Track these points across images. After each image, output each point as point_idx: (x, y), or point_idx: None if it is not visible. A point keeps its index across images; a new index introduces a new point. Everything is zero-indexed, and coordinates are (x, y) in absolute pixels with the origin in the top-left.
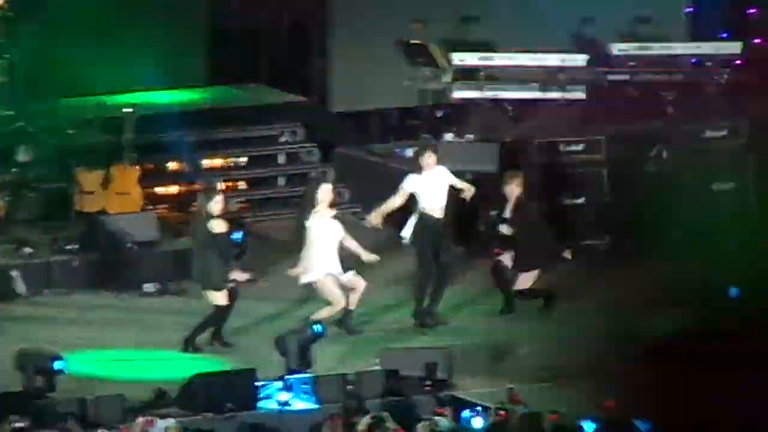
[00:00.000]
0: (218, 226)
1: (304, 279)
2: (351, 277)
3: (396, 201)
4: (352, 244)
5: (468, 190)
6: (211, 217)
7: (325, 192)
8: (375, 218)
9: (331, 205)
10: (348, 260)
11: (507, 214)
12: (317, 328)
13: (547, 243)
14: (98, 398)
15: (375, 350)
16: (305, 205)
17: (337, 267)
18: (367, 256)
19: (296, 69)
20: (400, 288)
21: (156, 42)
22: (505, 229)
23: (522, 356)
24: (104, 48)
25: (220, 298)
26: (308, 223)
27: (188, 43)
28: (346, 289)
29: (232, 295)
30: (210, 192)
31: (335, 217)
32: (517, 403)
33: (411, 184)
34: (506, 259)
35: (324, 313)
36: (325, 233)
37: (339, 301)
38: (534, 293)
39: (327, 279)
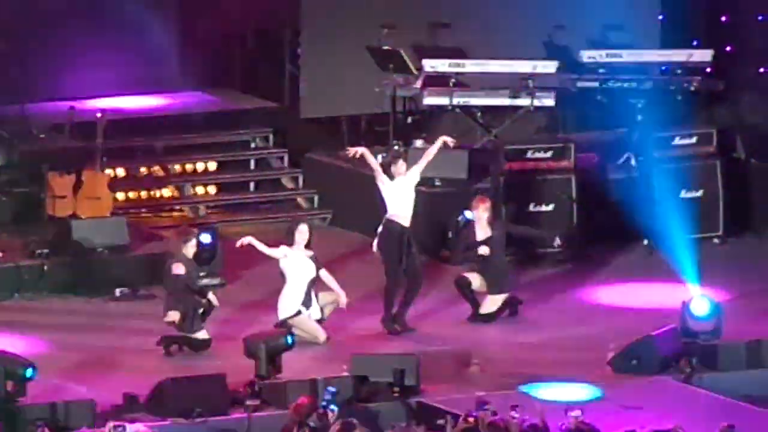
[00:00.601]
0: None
1: (280, 316)
2: (325, 311)
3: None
4: (331, 282)
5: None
6: (188, 260)
7: (302, 233)
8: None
9: (307, 245)
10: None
11: (479, 236)
12: (288, 339)
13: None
14: (68, 403)
15: (344, 356)
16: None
17: (309, 304)
18: (343, 298)
19: (267, 74)
20: (369, 295)
21: (127, 47)
22: (483, 250)
23: (489, 362)
24: (75, 52)
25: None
26: (282, 263)
27: (159, 48)
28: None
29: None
30: (187, 236)
31: (311, 257)
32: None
33: (385, 190)
34: (473, 278)
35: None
36: (299, 272)
37: (317, 335)
38: (497, 313)
39: (300, 316)
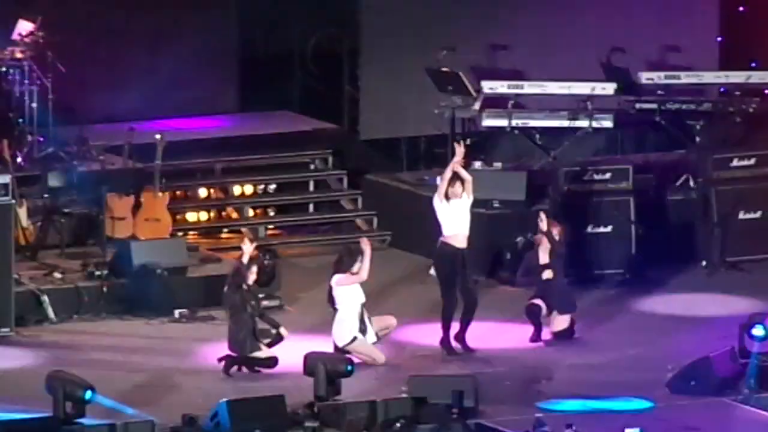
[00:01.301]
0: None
1: (338, 343)
2: (379, 333)
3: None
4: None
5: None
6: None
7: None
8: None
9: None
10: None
11: (543, 259)
12: (348, 367)
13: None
14: (127, 424)
15: (402, 378)
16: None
17: (364, 329)
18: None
19: (326, 96)
20: (428, 316)
21: (187, 68)
22: (547, 274)
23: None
24: (135, 74)
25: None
26: (336, 290)
27: (219, 70)
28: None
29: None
30: (252, 261)
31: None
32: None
33: (440, 210)
34: (539, 301)
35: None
36: (351, 297)
37: (376, 357)
38: (568, 332)
39: (357, 342)
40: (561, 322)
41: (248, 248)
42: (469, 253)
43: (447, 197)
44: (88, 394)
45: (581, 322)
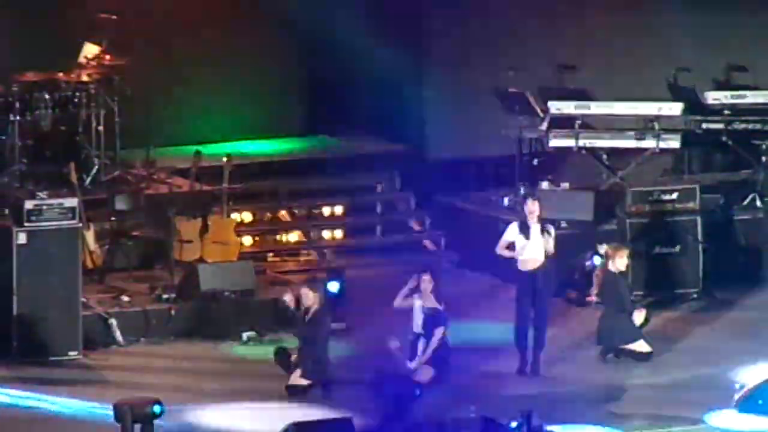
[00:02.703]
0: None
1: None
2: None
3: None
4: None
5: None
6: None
7: (426, 282)
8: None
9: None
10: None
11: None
12: (416, 391)
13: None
14: None
15: (472, 398)
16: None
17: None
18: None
19: (393, 117)
20: (497, 336)
21: (253, 91)
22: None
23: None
24: (201, 96)
25: None
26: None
27: (285, 93)
28: None
29: None
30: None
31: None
32: None
33: (512, 233)
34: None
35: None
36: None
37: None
38: (633, 354)
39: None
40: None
41: (309, 298)
42: (544, 273)
43: (522, 216)
44: (158, 408)
45: (652, 341)
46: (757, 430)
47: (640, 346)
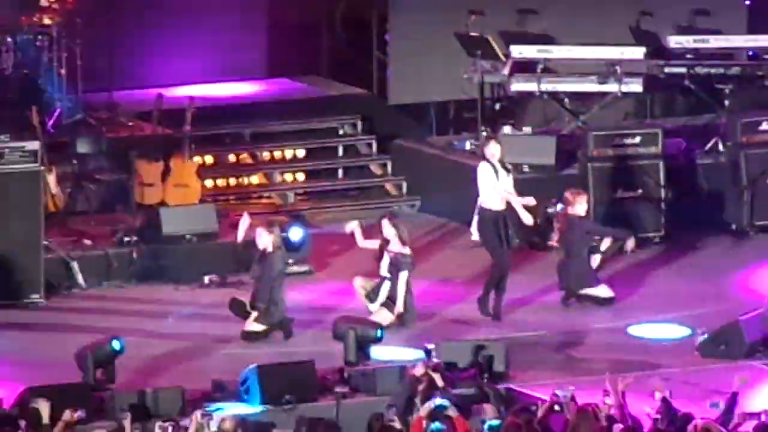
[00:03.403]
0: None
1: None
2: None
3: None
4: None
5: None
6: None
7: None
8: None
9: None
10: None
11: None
12: (378, 332)
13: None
14: (157, 390)
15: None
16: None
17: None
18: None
19: (355, 61)
20: (457, 281)
21: (215, 34)
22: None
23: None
24: (163, 40)
25: None
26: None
27: (247, 36)
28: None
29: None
30: (272, 226)
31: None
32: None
33: (488, 173)
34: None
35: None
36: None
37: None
38: (595, 299)
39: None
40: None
41: (263, 240)
42: (506, 217)
43: (486, 159)
44: (117, 344)
45: (613, 286)
46: (672, 338)
47: (602, 290)
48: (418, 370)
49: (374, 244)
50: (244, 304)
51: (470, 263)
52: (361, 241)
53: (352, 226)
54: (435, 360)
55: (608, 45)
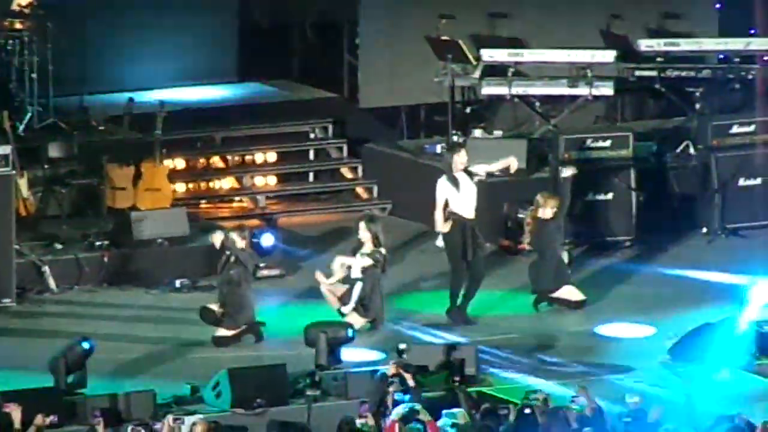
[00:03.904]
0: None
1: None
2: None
3: (440, 213)
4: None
5: (511, 164)
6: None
7: (362, 230)
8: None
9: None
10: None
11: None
12: (349, 332)
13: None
14: (129, 394)
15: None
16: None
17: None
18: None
19: (326, 65)
20: (429, 285)
21: (186, 38)
22: (566, 256)
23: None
24: (135, 43)
25: None
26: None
27: (219, 40)
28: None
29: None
30: (243, 231)
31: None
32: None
33: (444, 189)
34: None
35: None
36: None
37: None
38: (567, 302)
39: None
40: (567, 291)
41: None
42: (478, 222)
43: (452, 167)
44: (87, 344)
45: (584, 289)
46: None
47: (573, 293)
48: (390, 370)
49: (336, 277)
50: (213, 310)
51: (441, 266)
52: (326, 283)
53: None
54: (406, 360)
55: (579, 48)
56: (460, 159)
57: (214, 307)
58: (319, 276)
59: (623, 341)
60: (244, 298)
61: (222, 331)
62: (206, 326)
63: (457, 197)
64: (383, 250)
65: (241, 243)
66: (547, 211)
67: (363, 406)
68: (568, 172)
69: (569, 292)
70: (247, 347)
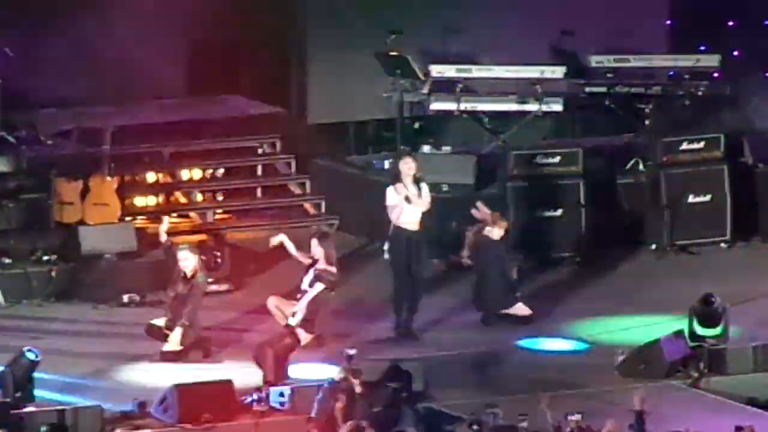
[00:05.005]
0: None
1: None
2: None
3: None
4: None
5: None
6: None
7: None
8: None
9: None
10: None
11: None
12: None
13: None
14: (77, 409)
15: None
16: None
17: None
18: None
19: (274, 81)
20: (376, 300)
21: (136, 53)
22: (466, 262)
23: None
24: (85, 59)
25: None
26: None
27: (169, 56)
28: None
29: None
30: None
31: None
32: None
33: (392, 197)
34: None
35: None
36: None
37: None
38: (515, 318)
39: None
40: (521, 308)
41: (164, 227)
42: (423, 234)
43: (399, 179)
44: (32, 354)
45: (534, 305)
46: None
47: (520, 309)
48: (338, 374)
49: (305, 258)
50: (160, 327)
51: (388, 282)
52: (294, 251)
53: (280, 239)
54: (355, 366)
55: (529, 64)
56: (406, 166)
57: (160, 323)
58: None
59: (571, 357)
60: (195, 314)
61: (171, 346)
62: (154, 341)
63: (403, 207)
64: (334, 269)
65: (196, 260)
66: (495, 232)
67: (309, 425)
68: (497, 233)
69: (517, 308)
70: (194, 362)
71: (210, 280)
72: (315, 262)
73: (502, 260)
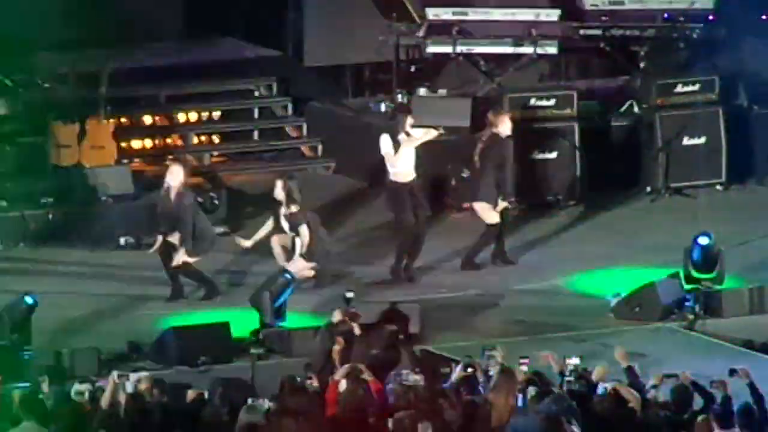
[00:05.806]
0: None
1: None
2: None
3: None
4: None
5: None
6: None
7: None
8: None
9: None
10: None
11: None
12: (287, 275)
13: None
14: (73, 351)
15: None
16: None
17: None
18: None
19: (270, 23)
20: (372, 243)
21: None
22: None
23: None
24: (78, 5)
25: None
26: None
27: None
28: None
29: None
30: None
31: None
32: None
33: (386, 145)
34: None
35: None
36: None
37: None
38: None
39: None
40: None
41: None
42: (419, 182)
43: (395, 131)
44: (30, 299)
45: (528, 248)
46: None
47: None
48: (336, 316)
49: (260, 233)
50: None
51: (384, 225)
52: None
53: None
54: (353, 309)
55: (524, 7)
56: (408, 122)
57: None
58: (241, 241)
59: (567, 299)
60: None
61: (184, 257)
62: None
63: (397, 157)
64: (295, 207)
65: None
66: (502, 128)
67: (308, 370)
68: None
69: (483, 210)
70: (193, 304)
71: None
72: (279, 204)
73: (505, 158)
